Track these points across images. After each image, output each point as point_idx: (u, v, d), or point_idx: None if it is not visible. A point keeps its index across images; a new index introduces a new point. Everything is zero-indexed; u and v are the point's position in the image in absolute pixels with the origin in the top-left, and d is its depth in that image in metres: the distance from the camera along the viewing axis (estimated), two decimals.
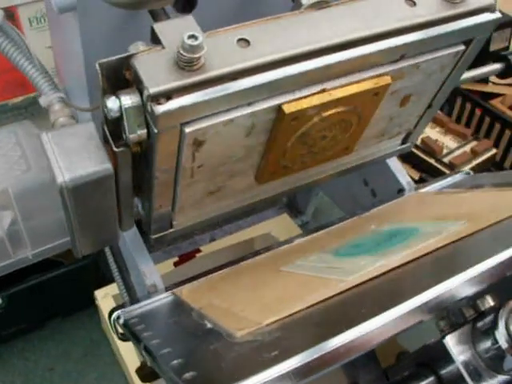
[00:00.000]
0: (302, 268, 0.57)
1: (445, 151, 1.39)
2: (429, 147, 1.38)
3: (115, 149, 0.50)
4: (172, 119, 0.46)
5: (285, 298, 0.50)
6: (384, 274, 0.49)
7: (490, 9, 0.55)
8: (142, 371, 0.64)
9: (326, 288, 0.48)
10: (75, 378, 1.13)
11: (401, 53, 0.54)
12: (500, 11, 1.42)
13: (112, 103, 0.46)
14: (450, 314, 0.54)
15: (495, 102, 1.41)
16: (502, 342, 0.48)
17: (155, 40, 0.47)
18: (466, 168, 1.33)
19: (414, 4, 0.53)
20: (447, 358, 0.52)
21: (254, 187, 0.64)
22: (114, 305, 1.04)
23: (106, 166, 0.49)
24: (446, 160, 1.36)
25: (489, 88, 1.44)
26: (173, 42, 0.45)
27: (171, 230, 0.63)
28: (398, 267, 0.50)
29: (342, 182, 0.85)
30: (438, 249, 0.51)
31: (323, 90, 0.52)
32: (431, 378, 0.54)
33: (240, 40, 0.48)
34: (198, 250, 1.17)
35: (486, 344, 0.50)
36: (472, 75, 0.72)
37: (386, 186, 0.84)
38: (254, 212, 1.26)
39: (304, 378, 0.37)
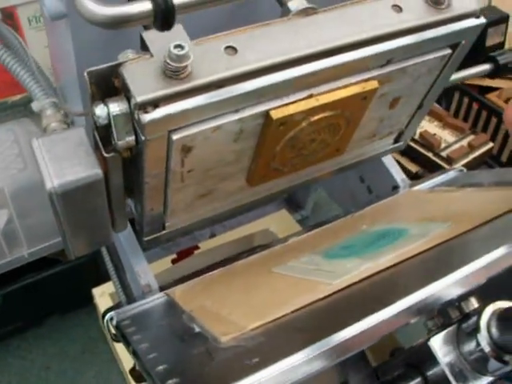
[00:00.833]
0: (292, 270, 0.58)
1: (443, 145, 1.39)
2: (427, 141, 1.39)
3: (105, 154, 0.50)
4: (159, 127, 0.47)
5: (272, 302, 0.51)
6: (370, 277, 0.50)
7: (474, 14, 0.56)
8: (136, 372, 0.65)
9: (312, 291, 0.49)
10: (72, 377, 1.13)
11: (387, 58, 0.55)
12: (495, 8, 1.42)
13: (100, 110, 0.47)
14: (439, 315, 0.55)
15: (492, 96, 1.41)
16: (484, 345, 0.48)
17: (144, 48, 0.48)
18: (464, 161, 1.34)
19: (401, 10, 0.54)
20: (433, 360, 0.52)
21: (245, 189, 0.64)
22: (111, 303, 1.05)
23: (96, 172, 0.50)
24: (443, 154, 1.36)
25: (486, 82, 1.44)
26: (161, 50, 0.46)
27: (164, 232, 0.64)
28: (384, 270, 0.50)
29: (339, 179, 0.86)
30: (423, 251, 0.52)
31: (310, 96, 0.53)
32: (418, 380, 0.55)
33: (227, 48, 0.49)
34: (196, 247, 1.17)
35: (471, 346, 0.50)
36: (461, 76, 0.72)
37: (381, 183, 0.85)
38: (253, 208, 1.27)
39: None
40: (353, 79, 0.54)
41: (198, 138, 0.50)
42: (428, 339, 0.52)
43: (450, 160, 1.34)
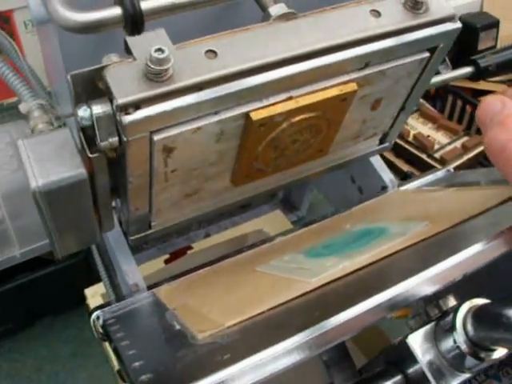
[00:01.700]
0: (274, 268, 0.59)
1: (436, 146, 1.41)
2: (421, 143, 1.40)
3: (90, 155, 0.52)
4: (140, 128, 0.48)
5: (251, 300, 0.52)
6: (347, 275, 0.51)
7: (451, 19, 0.57)
8: (121, 371, 0.66)
9: (290, 289, 0.50)
10: (63, 379, 1.13)
11: (365, 61, 0.56)
12: (486, 13, 1.44)
13: (83, 112, 0.48)
14: (422, 313, 0.56)
15: None
16: (460, 342, 0.49)
17: (128, 52, 0.49)
18: (457, 163, 1.35)
19: (379, 15, 0.55)
20: (412, 357, 0.53)
21: (231, 189, 0.65)
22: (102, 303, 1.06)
23: (80, 172, 0.51)
24: (437, 155, 1.38)
25: (480, 85, 1.45)
26: (143, 54, 0.47)
27: (150, 231, 0.65)
28: (361, 268, 0.51)
29: (332, 180, 0.87)
30: (400, 250, 0.53)
31: (290, 98, 0.54)
32: (398, 377, 0.55)
33: (208, 51, 0.50)
34: (189, 247, 1.18)
35: (448, 343, 0.51)
36: (442, 79, 0.73)
37: (370, 183, 0.86)
38: (248, 208, 1.28)
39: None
40: (332, 82, 0.55)
41: (179, 139, 0.51)
42: (406, 337, 0.53)
43: (443, 161, 1.35)
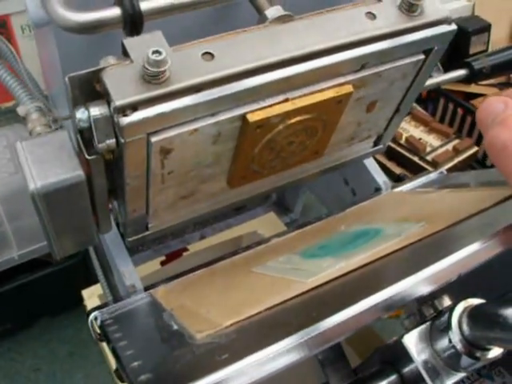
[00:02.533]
0: (270, 269, 0.59)
1: (428, 149, 1.41)
2: (412, 146, 1.40)
3: (87, 156, 0.51)
4: (138, 129, 0.47)
5: (248, 300, 0.51)
6: (343, 275, 0.50)
7: (446, 21, 0.57)
8: (119, 372, 0.66)
9: (287, 290, 0.49)
10: (61, 379, 1.12)
11: (361, 63, 0.55)
12: (477, 17, 1.44)
13: (81, 114, 0.48)
14: (416, 313, 0.55)
15: (477, 103, 1.43)
16: (456, 342, 0.49)
17: (125, 54, 0.49)
18: (449, 165, 1.35)
19: (374, 17, 0.55)
20: (408, 357, 0.53)
21: (227, 191, 0.65)
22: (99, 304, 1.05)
23: (77, 173, 0.51)
24: (429, 158, 1.37)
25: (471, 89, 1.46)
26: (140, 56, 0.47)
27: (147, 233, 0.65)
28: (357, 269, 0.51)
29: (325, 182, 0.87)
30: (396, 250, 0.53)
31: (286, 100, 0.53)
32: (394, 377, 0.55)
33: (205, 54, 0.49)
34: (185, 249, 1.18)
35: (443, 343, 0.51)
36: (437, 81, 0.73)
37: (364, 186, 0.86)
38: (242, 210, 1.28)
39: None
40: (328, 84, 0.55)
41: (176, 141, 0.51)
42: (402, 337, 0.52)
43: (435, 164, 1.35)
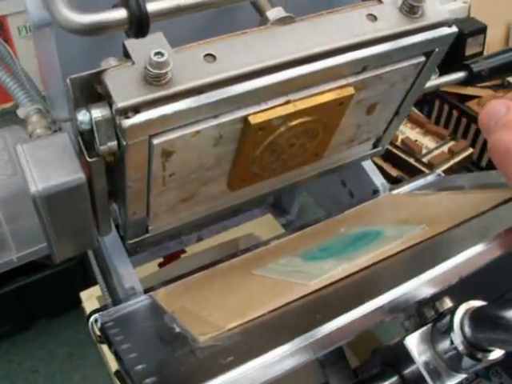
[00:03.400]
0: (271, 272, 0.58)
1: (424, 151, 1.40)
2: (408, 147, 1.40)
3: (88, 159, 0.51)
4: (140, 132, 0.47)
5: (250, 302, 0.51)
6: (346, 277, 0.50)
7: (447, 23, 0.57)
8: (120, 373, 0.65)
9: (289, 292, 0.49)
10: (60, 380, 1.12)
11: (363, 65, 0.55)
12: (473, 19, 1.44)
13: (82, 116, 0.47)
14: (415, 315, 0.55)
15: (472, 104, 1.43)
16: (458, 343, 0.49)
17: (126, 55, 0.48)
18: (445, 167, 1.35)
19: (375, 19, 0.54)
20: (409, 358, 0.53)
21: (227, 193, 0.65)
22: (98, 306, 1.04)
23: (79, 176, 0.50)
24: (424, 159, 1.37)
25: (466, 91, 1.46)
26: (142, 57, 0.46)
27: (147, 235, 0.64)
28: (359, 271, 0.51)
29: (322, 184, 0.86)
30: (398, 252, 0.52)
31: (288, 102, 0.53)
32: (395, 378, 0.55)
33: (206, 55, 0.49)
34: (183, 251, 1.17)
35: (445, 344, 0.51)
36: (436, 83, 0.73)
37: (362, 187, 0.85)
38: (239, 212, 1.28)
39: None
40: (329, 86, 0.55)
41: (178, 143, 0.50)
42: (403, 338, 0.52)
43: (431, 165, 1.35)
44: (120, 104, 0.45)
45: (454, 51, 0.62)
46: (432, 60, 0.60)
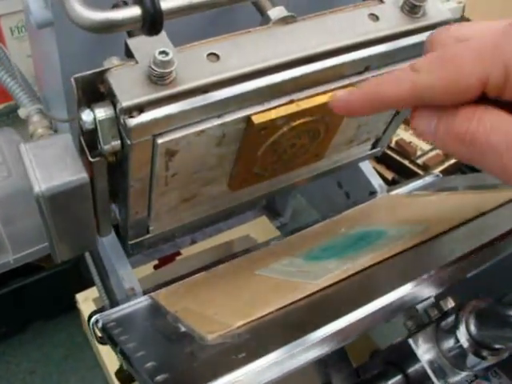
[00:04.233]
0: (274, 272, 0.58)
1: (418, 153, 1.41)
2: (403, 149, 1.40)
3: (91, 159, 0.51)
4: (144, 131, 0.47)
5: (256, 302, 0.51)
6: (350, 276, 0.50)
7: (448, 23, 0.57)
8: (121, 374, 0.65)
9: (295, 291, 0.49)
10: (56, 381, 1.11)
11: (365, 65, 0.55)
12: (468, 19, 1.44)
13: (86, 116, 0.47)
14: (417, 314, 0.55)
15: None
16: (463, 341, 0.49)
17: (129, 55, 0.48)
18: (439, 168, 1.35)
19: (377, 19, 0.55)
20: (413, 357, 0.53)
21: (228, 193, 0.65)
22: (94, 308, 1.04)
23: (82, 176, 0.50)
24: (419, 161, 1.38)
25: None
26: (145, 57, 0.46)
27: (148, 236, 0.64)
28: (363, 270, 0.51)
29: (317, 185, 0.86)
30: (400, 252, 0.53)
31: (291, 101, 0.53)
32: (399, 377, 0.55)
33: (210, 54, 0.49)
34: (178, 253, 1.17)
35: (449, 343, 0.51)
36: None
37: (359, 189, 0.85)
38: (233, 215, 1.27)
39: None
40: (332, 85, 0.55)
41: (181, 142, 0.50)
42: (408, 338, 0.52)
43: (425, 167, 1.35)
44: (125, 103, 0.45)
45: None
46: None
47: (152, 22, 0.42)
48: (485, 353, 0.49)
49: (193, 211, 0.65)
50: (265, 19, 0.54)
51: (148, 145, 0.49)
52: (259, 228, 1.24)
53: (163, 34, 0.48)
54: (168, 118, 0.47)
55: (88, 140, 0.50)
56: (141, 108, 0.46)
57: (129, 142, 0.47)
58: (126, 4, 0.49)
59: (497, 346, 0.48)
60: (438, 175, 0.84)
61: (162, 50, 0.44)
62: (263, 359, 0.38)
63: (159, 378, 0.39)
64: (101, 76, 0.47)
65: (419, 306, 0.55)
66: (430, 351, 0.52)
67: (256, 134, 0.53)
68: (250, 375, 0.38)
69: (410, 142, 1.42)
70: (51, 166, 0.50)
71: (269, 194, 0.71)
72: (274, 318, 0.46)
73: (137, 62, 0.47)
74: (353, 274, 0.50)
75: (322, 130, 0.59)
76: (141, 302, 0.62)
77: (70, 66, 0.59)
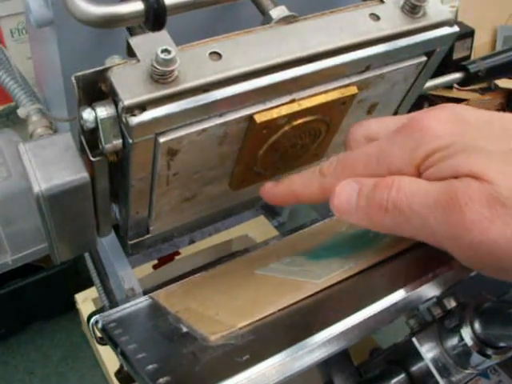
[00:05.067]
0: (275, 271, 0.57)
1: None
2: None
3: (92, 158, 0.49)
4: (146, 130, 0.46)
5: (258, 301, 0.50)
6: (353, 275, 0.49)
7: (448, 23, 0.56)
8: (121, 374, 0.64)
9: (297, 291, 0.48)
10: (55, 382, 1.10)
11: (366, 64, 0.54)
12: (461, 23, 1.45)
13: (87, 114, 0.46)
14: (420, 313, 0.55)
15: None
16: (468, 340, 0.49)
17: (131, 53, 0.47)
18: None
19: (378, 18, 0.54)
20: (416, 356, 0.52)
21: (229, 193, 0.64)
22: (93, 308, 1.03)
23: (83, 175, 0.49)
24: None
25: (453, 94, 1.46)
26: (147, 55, 0.45)
27: (148, 236, 0.63)
28: (367, 269, 0.50)
29: None
30: (403, 250, 0.52)
31: (293, 100, 0.52)
32: (402, 375, 0.54)
33: (212, 53, 0.48)
34: (177, 253, 1.16)
35: (453, 341, 0.50)
36: (434, 84, 0.73)
37: None
38: (232, 214, 1.27)
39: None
40: (333, 85, 0.54)
41: (183, 141, 0.49)
42: (411, 336, 0.52)
43: None
44: (127, 102, 0.44)
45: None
46: (433, 60, 0.59)
47: (155, 17, 0.41)
48: (489, 351, 0.48)
49: (193, 210, 0.64)
50: (266, 18, 0.53)
51: (150, 144, 0.48)
52: (257, 227, 1.24)
53: (165, 32, 0.47)
54: (170, 117, 0.46)
55: (89, 139, 0.49)
56: (143, 106, 0.45)
57: (130, 140, 0.46)
58: None
59: (501, 345, 0.48)
60: None
61: (164, 48, 0.43)
62: (267, 362, 0.37)
63: (161, 380, 0.38)
64: (102, 74, 0.45)
65: (421, 305, 0.54)
66: (433, 350, 0.51)
67: (258, 133, 0.53)
68: (254, 379, 0.36)
69: None
70: (51, 165, 0.49)
71: None
72: (277, 319, 0.45)
73: (138, 61, 0.46)
74: (356, 274, 0.49)
75: (322, 129, 0.58)
76: (141, 303, 0.61)
77: (71, 64, 0.58)
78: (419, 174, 0.40)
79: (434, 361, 0.50)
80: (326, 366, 0.60)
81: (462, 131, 0.39)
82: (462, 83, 0.76)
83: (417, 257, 0.52)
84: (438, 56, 0.59)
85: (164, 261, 1.13)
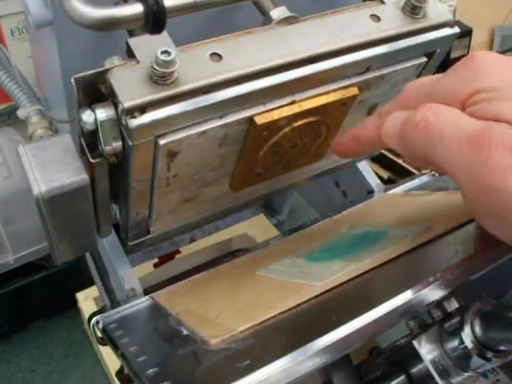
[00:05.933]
0: (275, 272, 0.56)
1: None
2: None
3: (91, 160, 0.49)
4: (146, 132, 0.45)
5: (259, 304, 0.49)
6: (354, 278, 0.48)
7: (449, 24, 0.55)
8: (122, 374, 0.63)
9: (298, 293, 0.47)
10: (57, 380, 1.10)
11: (366, 65, 0.54)
12: (459, 22, 1.44)
13: (87, 116, 0.45)
14: (420, 315, 0.54)
15: None
16: (468, 343, 0.48)
17: (130, 54, 0.46)
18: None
19: (379, 19, 0.53)
20: (416, 358, 0.51)
21: (229, 194, 0.63)
22: (95, 307, 1.03)
23: (82, 177, 0.48)
24: None
25: None
26: (147, 56, 0.44)
27: (148, 237, 0.62)
28: (368, 271, 0.49)
29: (315, 184, 0.84)
30: (405, 252, 0.51)
31: (293, 102, 0.51)
32: (402, 377, 0.54)
33: (212, 54, 0.47)
34: (178, 251, 1.16)
35: (454, 344, 0.49)
36: None
37: (356, 188, 0.84)
38: (234, 213, 1.26)
39: None
40: (334, 86, 0.53)
41: (184, 143, 0.48)
42: (411, 338, 0.51)
43: (419, 166, 1.34)
44: (126, 104, 0.43)
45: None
46: (433, 61, 0.59)
47: (155, 20, 0.40)
48: (489, 354, 0.47)
49: (193, 211, 0.63)
50: (267, 19, 0.53)
51: (150, 146, 0.47)
52: (257, 226, 1.23)
53: (165, 33, 0.46)
54: (170, 119, 0.45)
55: (88, 141, 0.48)
56: (142, 108, 0.44)
57: (130, 142, 0.45)
58: (126, 2, 0.47)
59: (501, 348, 0.47)
60: (434, 174, 0.82)
61: (164, 49, 0.42)
62: (267, 368, 0.37)
63: None
64: (102, 76, 0.45)
65: (423, 308, 0.53)
66: (433, 352, 0.50)
67: (258, 135, 0.52)
68: None
69: None
70: (51, 167, 0.48)
71: (269, 194, 0.70)
72: (278, 322, 0.44)
73: (138, 62, 0.45)
74: (356, 276, 0.48)
75: (323, 130, 0.57)
76: (141, 303, 0.60)
77: (71, 66, 0.57)
78: (463, 109, 0.39)
79: (434, 363, 0.50)
80: (326, 366, 0.59)
81: None
82: None
83: (419, 259, 0.51)
84: (438, 57, 0.59)
85: (165, 259, 1.12)
